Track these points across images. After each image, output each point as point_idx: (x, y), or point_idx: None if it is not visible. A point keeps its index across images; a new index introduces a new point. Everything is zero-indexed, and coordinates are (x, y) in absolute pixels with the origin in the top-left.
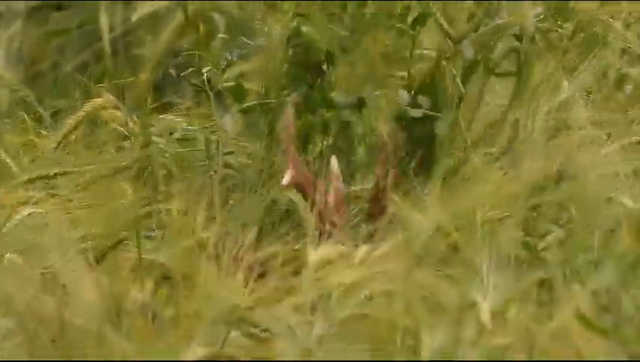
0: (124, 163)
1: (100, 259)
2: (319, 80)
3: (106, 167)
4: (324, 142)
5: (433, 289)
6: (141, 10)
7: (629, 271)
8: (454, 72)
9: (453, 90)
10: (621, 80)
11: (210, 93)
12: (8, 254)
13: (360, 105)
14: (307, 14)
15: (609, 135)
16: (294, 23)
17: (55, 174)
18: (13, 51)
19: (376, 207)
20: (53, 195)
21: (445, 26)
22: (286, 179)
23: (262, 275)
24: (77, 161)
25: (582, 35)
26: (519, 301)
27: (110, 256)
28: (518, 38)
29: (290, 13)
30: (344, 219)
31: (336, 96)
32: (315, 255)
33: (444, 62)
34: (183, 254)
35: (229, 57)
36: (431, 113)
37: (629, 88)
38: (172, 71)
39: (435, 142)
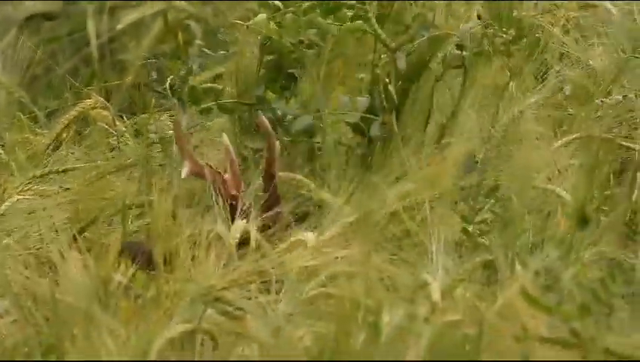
0: (128, 161)
1: (88, 244)
2: (292, 84)
3: (103, 165)
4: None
5: (389, 271)
6: (125, 19)
7: (566, 252)
8: (387, 79)
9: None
10: (561, 81)
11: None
12: (5, 239)
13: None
14: (279, 21)
15: (554, 132)
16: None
17: (51, 171)
18: (10, 57)
19: (267, 183)
20: (62, 189)
21: (382, 36)
22: (184, 172)
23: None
24: (71, 158)
25: (524, 40)
26: (466, 281)
27: (97, 240)
28: (459, 47)
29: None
30: (242, 191)
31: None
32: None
33: (377, 70)
34: (163, 239)
35: (199, 63)
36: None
37: (567, 89)
38: (153, 74)
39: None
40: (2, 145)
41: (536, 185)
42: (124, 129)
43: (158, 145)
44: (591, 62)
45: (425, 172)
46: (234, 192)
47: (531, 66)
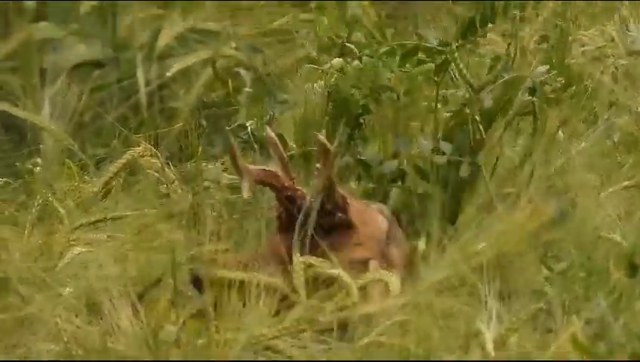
0: (177, 209)
1: (141, 295)
2: (357, 130)
3: (153, 213)
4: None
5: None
6: (174, 67)
7: (617, 301)
8: (477, 118)
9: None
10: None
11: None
12: (61, 288)
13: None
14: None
15: (602, 180)
16: (333, 80)
17: (100, 219)
18: (59, 105)
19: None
20: (105, 237)
21: (467, 76)
22: (245, 191)
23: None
24: (120, 206)
25: (574, 88)
26: (520, 329)
27: (151, 291)
28: (531, 91)
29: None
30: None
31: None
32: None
33: (466, 110)
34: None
35: (271, 112)
36: (454, 158)
37: (616, 136)
38: (203, 122)
39: (459, 185)
40: (53, 193)
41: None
42: (172, 176)
43: (210, 191)
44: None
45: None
46: (288, 183)
47: (580, 114)
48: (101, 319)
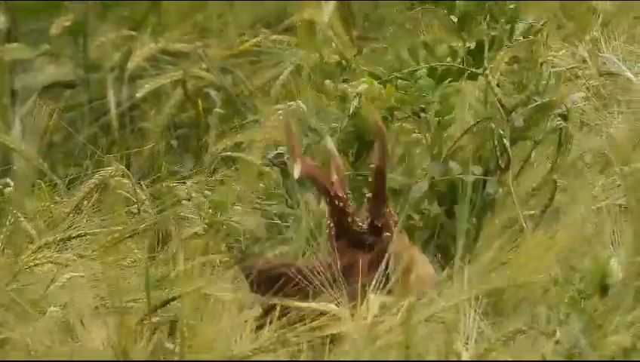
0: (141, 226)
1: (112, 313)
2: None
3: (122, 231)
4: None
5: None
6: (145, 88)
7: (589, 321)
8: (504, 139)
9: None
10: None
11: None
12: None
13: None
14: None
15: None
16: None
17: (77, 236)
18: (29, 125)
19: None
20: (78, 256)
21: (499, 96)
22: (297, 172)
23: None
24: (90, 224)
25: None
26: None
27: (122, 310)
28: (563, 117)
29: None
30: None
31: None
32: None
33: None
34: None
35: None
36: (482, 177)
37: (587, 157)
38: (173, 142)
39: (487, 204)
40: (23, 214)
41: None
42: (143, 197)
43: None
44: (611, 130)
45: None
46: (341, 193)
47: (552, 135)
48: (73, 339)
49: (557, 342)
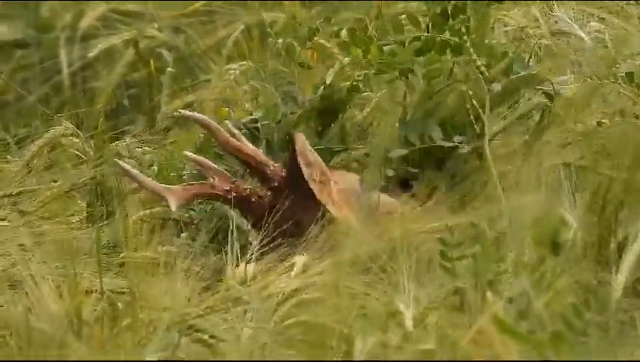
0: (80, 180)
1: (62, 272)
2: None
3: (61, 186)
4: None
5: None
6: (97, 48)
7: (540, 279)
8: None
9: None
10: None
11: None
12: None
13: None
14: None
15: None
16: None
17: (18, 193)
18: None
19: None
20: (18, 211)
21: (479, 64)
22: (173, 206)
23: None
24: (38, 180)
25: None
26: (438, 309)
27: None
28: (548, 95)
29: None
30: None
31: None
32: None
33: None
34: (139, 267)
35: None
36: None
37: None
38: (125, 102)
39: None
40: None
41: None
42: (92, 154)
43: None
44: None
45: None
46: (227, 186)
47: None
48: (21, 296)
49: (509, 301)
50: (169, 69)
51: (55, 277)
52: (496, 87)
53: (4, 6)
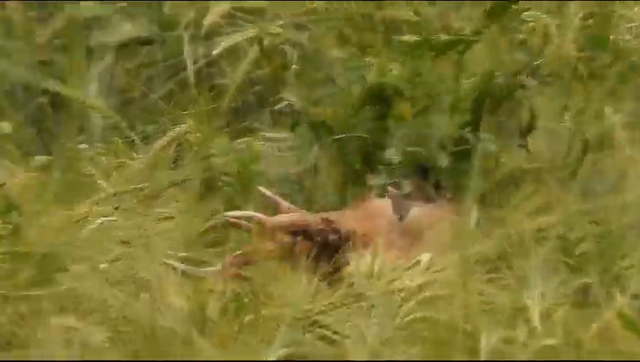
0: (182, 177)
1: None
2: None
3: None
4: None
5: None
6: (222, 45)
7: None
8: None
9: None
10: None
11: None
12: (103, 264)
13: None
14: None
15: None
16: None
17: (142, 189)
18: (106, 82)
19: None
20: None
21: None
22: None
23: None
24: (163, 177)
25: (620, 63)
26: (564, 304)
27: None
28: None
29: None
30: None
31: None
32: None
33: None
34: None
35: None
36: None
37: None
38: (251, 99)
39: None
40: (99, 171)
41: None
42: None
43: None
44: None
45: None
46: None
47: (626, 90)
48: (146, 294)
49: (634, 297)
50: (294, 66)
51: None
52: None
53: (128, 4)
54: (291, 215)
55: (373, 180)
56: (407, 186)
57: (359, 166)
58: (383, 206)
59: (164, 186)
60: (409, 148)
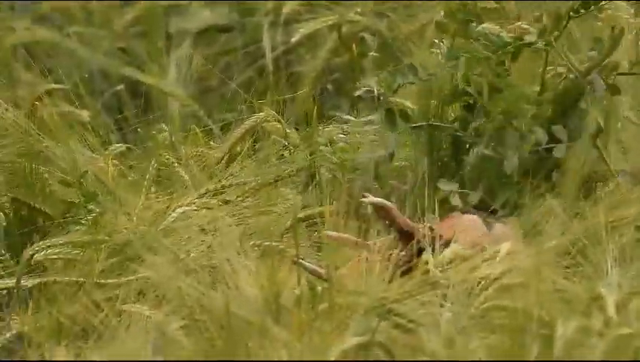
0: (287, 171)
1: (261, 258)
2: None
3: (269, 176)
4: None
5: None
6: (300, 32)
7: None
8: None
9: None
10: None
11: (381, 111)
12: (182, 255)
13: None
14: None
15: None
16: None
17: (223, 186)
18: (184, 70)
19: None
20: (223, 201)
21: (572, 59)
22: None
23: (407, 271)
24: (242, 171)
25: None
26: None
27: (270, 254)
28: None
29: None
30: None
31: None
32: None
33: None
34: (337, 252)
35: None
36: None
37: None
38: (329, 86)
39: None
40: (177, 159)
41: None
42: (297, 141)
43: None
44: None
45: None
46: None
47: None
48: (221, 283)
49: None
50: (372, 54)
51: (254, 262)
52: (596, 78)
53: None
54: (405, 218)
55: (445, 186)
56: (476, 197)
57: (447, 159)
58: (472, 219)
59: (271, 180)
60: (486, 151)
